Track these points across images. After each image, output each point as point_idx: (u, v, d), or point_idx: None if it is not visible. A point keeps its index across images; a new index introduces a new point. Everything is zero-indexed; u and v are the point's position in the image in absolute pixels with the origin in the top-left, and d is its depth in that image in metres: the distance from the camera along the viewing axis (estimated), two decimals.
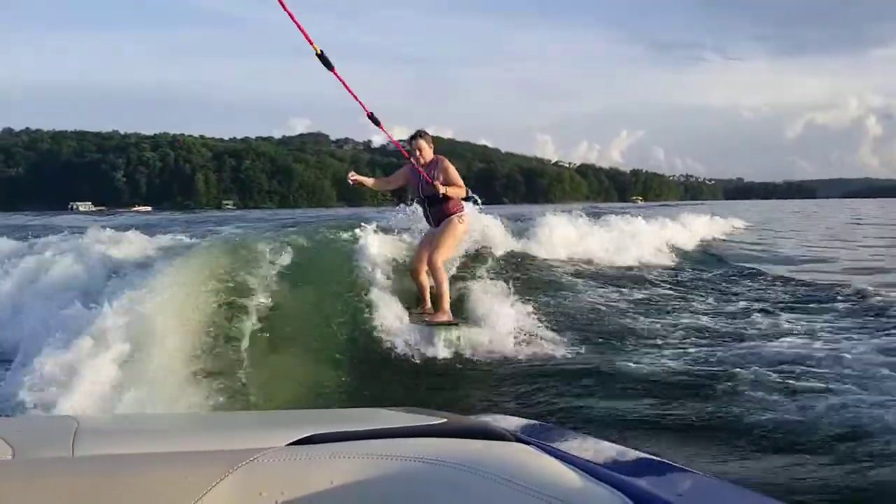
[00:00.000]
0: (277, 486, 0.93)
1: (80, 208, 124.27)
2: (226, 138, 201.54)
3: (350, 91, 4.56)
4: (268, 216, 44.29)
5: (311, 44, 3.69)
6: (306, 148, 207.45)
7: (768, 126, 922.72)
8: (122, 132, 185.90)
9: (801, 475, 3.21)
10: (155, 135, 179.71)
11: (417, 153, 6.12)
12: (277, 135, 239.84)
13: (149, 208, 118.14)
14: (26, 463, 0.93)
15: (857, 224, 33.66)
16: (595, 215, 13.89)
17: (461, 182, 6.14)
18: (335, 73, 4.09)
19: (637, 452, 1.24)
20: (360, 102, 4.90)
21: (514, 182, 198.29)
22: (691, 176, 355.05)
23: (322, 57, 3.87)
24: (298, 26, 3.33)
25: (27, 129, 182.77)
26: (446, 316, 5.98)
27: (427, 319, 5.99)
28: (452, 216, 6.16)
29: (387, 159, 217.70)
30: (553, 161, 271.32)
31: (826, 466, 3.28)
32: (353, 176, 6.48)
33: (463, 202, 6.32)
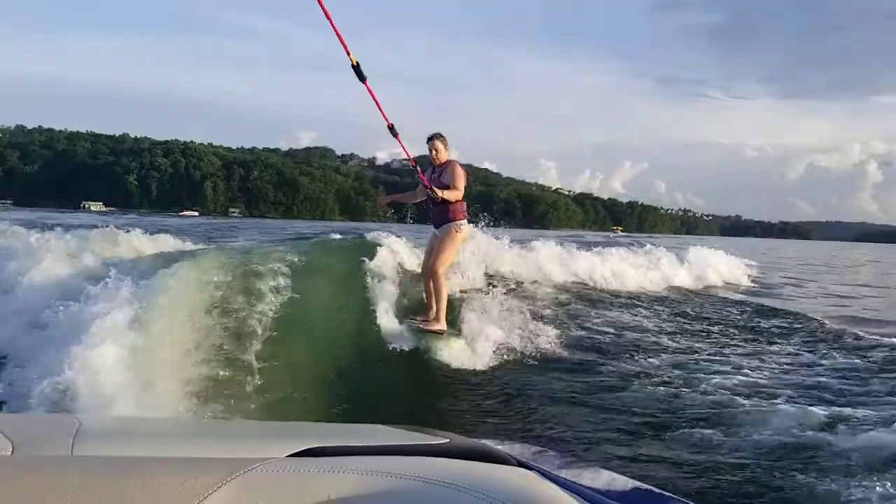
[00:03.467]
0: (275, 497, 0.93)
1: (92, 208, 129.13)
2: (234, 147, 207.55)
3: (376, 101, 5.04)
4: (301, 226, 44.99)
5: (349, 54, 3.91)
6: (312, 161, 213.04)
7: (770, 165, 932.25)
8: (132, 135, 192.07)
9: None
10: (167, 141, 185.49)
11: (433, 154, 6.29)
12: (284, 146, 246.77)
13: (196, 213, 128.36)
14: (25, 459, 0.94)
15: None
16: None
17: (460, 186, 6.14)
18: (367, 86, 4.54)
19: (636, 483, 1.25)
20: (383, 114, 5.43)
21: (511, 207, 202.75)
22: (689, 210, 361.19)
23: (357, 69, 4.21)
24: (339, 35, 3.48)
25: (39, 126, 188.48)
26: (439, 325, 6.11)
27: (420, 325, 6.13)
28: (451, 224, 6.20)
29: (391, 177, 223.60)
30: (554, 188, 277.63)
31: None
32: (384, 200, 7.23)
33: (465, 210, 6.37)
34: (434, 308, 6.29)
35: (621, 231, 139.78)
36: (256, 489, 0.93)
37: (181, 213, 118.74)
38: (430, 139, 6.32)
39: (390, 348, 5.82)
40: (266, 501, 0.92)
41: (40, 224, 11.20)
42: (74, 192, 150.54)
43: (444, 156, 6.32)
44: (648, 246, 16.75)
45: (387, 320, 6.25)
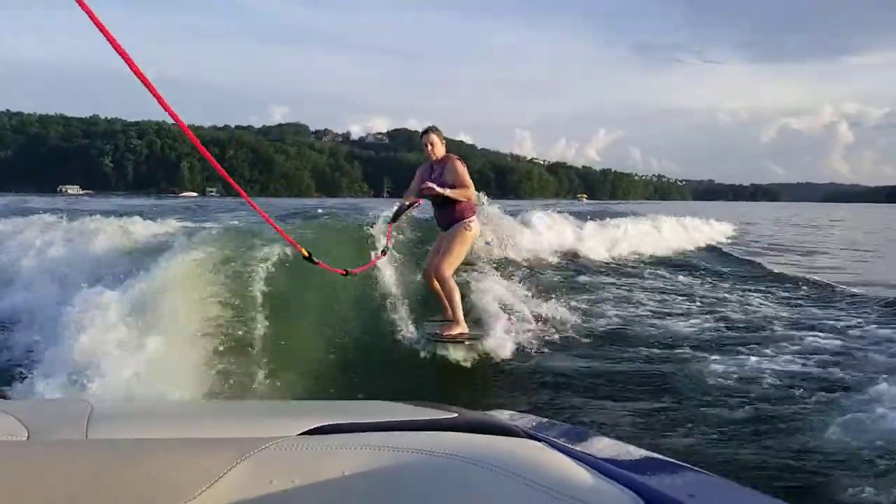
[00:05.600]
0: (288, 475, 0.95)
1: (69, 191, 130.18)
2: (206, 126, 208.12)
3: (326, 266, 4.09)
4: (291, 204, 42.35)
5: (298, 248, 3.49)
6: (286, 138, 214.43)
7: (744, 129, 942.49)
8: (103, 116, 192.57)
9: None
10: (140, 122, 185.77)
11: (429, 148, 5.69)
12: (256, 123, 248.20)
13: (195, 194, 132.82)
14: (41, 444, 0.96)
15: None
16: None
17: (469, 183, 5.58)
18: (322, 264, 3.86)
19: (647, 452, 1.26)
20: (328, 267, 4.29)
21: (485, 178, 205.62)
22: (663, 176, 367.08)
23: (309, 259, 3.68)
24: (285, 236, 3.15)
25: (7, 110, 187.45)
26: (459, 328, 5.68)
27: (439, 332, 5.66)
28: (461, 223, 5.68)
29: (366, 152, 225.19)
30: (529, 158, 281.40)
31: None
32: (388, 230, 6.16)
33: (474, 206, 5.86)
34: (449, 308, 5.79)
35: (586, 199, 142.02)
36: (270, 468, 0.95)
37: (181, 195, 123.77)
38: (425, 133, 5.74)
39: (395, 327, 5.79)
40: (280, 479, 0.94)
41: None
42: (51, 175, 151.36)
43: (440, 150, 5.70)
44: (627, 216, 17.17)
45: (392, 300, 6.19)
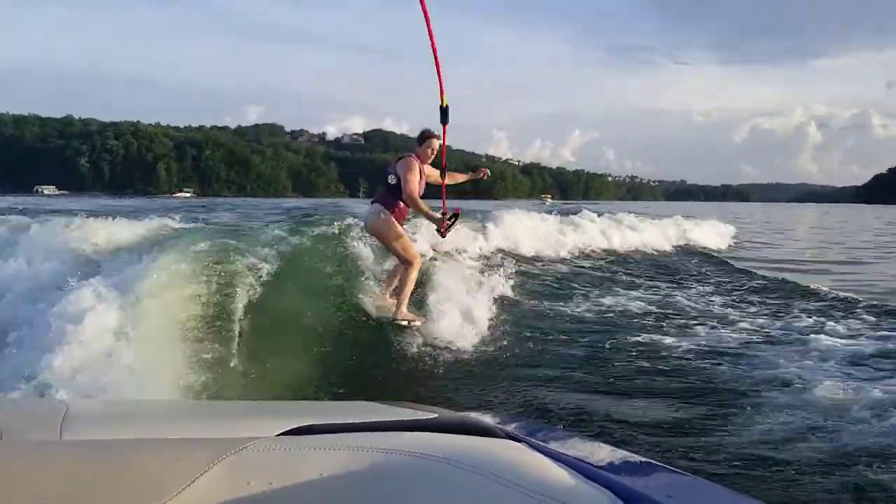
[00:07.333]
0: (266, 476, 0.94)
1: (45, 191, 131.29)
2: (181, 126, 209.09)
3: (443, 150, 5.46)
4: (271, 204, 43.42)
5: (442, 94, 4.37)
6: (262, 139, 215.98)
7: (716, 130, 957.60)
8: (77, 117, 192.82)
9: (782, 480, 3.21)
10: (117, 122, 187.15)
11: (432, 154, 5.88)
12: (232, 123, 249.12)
13: (188, 195, 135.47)
14: (13, 444, 0.95)
15: None
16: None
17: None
18: (444, 130, 4.89)
19: (626, 453, 1.26)
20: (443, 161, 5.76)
21: None
22: (636, 177, 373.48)
23: (444, 110, 4.52)
24: (440, 77, 3.93)
25: None
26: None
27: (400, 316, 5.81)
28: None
29: (342, 152, 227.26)
30: (504, 159, 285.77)
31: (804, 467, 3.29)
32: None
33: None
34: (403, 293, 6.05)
35: (550, 199, 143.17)
36: (248, 468, 0.95)
37: (174, 195, 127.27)
38: (432, 137, 5.87)
39: (376, 326, 5.86)
40: (258, 480, 0.94)
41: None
42: (27, 176, 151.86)
43: None
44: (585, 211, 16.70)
45: (372, 298, 6.25)
